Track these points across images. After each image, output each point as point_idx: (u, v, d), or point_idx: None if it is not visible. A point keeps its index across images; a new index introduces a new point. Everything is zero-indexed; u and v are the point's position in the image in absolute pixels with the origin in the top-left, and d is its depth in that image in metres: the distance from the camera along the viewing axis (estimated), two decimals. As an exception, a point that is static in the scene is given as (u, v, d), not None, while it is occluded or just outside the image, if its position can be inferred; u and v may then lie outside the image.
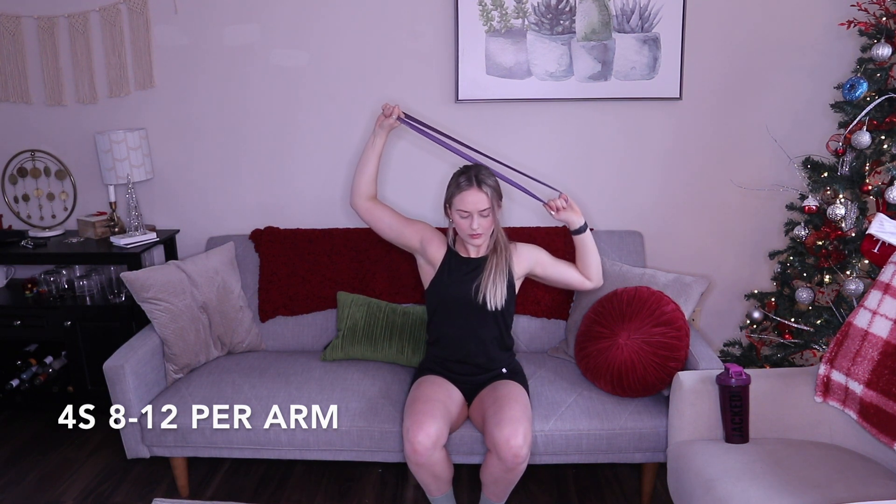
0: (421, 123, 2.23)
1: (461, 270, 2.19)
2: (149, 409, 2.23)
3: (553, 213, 2.21)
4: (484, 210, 2.08)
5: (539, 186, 2.38)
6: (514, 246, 2.24)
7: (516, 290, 2.24)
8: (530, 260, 2.25)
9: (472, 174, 2.09)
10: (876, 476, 1.68)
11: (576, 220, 2.21)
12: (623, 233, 2.69)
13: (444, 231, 2.29)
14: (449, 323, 2.19)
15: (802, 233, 2.48)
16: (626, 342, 2.14)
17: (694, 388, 1.94)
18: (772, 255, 2.65)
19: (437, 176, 2.78)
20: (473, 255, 2.20)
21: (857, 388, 1.79)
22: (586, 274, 2.29)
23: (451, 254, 2.22)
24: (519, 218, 2.82)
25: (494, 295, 2.13)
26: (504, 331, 2.21)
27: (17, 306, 2.70)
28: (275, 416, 2.18)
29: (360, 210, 2.25)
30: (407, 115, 2.20)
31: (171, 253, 2.90)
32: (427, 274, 2.25)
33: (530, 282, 2.53)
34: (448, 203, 2.15)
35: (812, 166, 2.47)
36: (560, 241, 2.59)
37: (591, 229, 2.22)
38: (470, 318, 2.16)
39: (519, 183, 2.26)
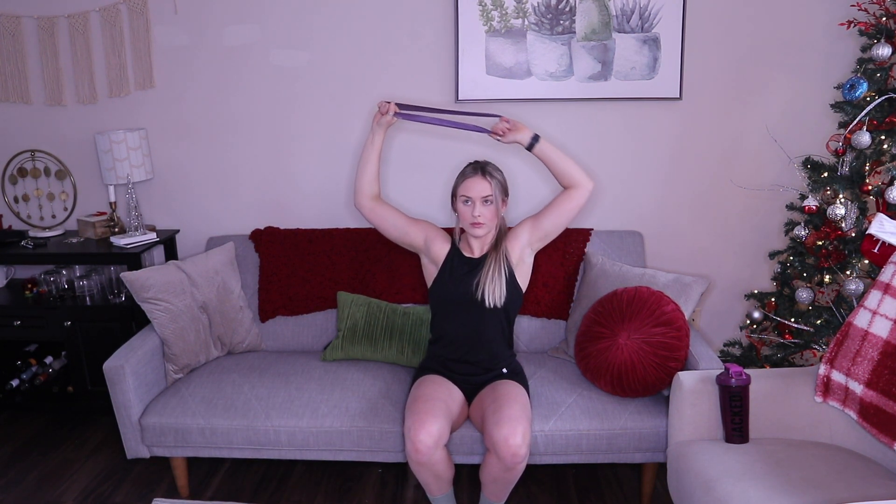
0: (416, 108, 2.22)
1: (462, 269, 2.19)
2: (149, 408, 2.24)
3: (500, 138, 2.15)
4: (487, 196, 2.09)
5: (481, 120, 2.35)
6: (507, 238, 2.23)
7: (520, 284, 2.20)
8: (521, 236, 2.20)
9: (478, 165, 2.14)
10: (876, 476, 1.68)
11: (524, 137, 2.12)
12: (623, 233, 2.69)
13: (449, 231, 2.29)
14: (451, 321, 2.19)
15: (802, 233, 2.48)
16: (626, 342, 2.14)
17: (694, 388, 1.94)
18: (772, 255, 2.65)
19: (441, 173, 2.78)
20: (477, 254, 2.21)
21: (857, 388, 1.79)
22: (570, 183, 2.13)
23: (454, 252, 2.22)
24: (518, 219, 2.82)
25: (493, 292, 2.12)
26: (507, 328, 2.21)
27: (17, 306, 2.70)
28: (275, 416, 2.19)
29: (364, 210, 2.25)
30: (402, 106, 2.19)
31: (171, 253, 2.90)
32: (431, 273, 2.25)
33: (530, 281, 2.52)
34: (454, 194, 2.16)
35: (812, 166, 2.47)
36: (560, 242, 2.59)
37: (538, 137, 2.11)
38: (472, 316, 2.16)
39: (460, 122, 2.20)
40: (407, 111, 2.20)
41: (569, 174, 2.13)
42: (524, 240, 2.21)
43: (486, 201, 2.10)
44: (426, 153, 2.82)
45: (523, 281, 2.22)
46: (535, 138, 2.12)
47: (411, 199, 2.85)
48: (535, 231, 2.19)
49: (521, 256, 2.21)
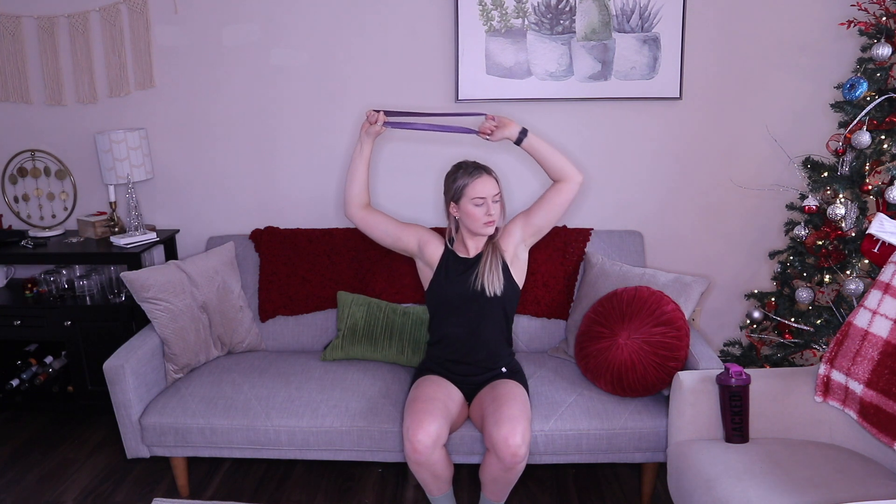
0: (404, 114, 2.22)
1: (458, 269, 2.19)
2: (149, 408, 2.24)
3: (488, 137, 2.17)
4: (496, 195, 2.11)
5: (466, 120, 2.39)
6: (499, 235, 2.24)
7: (517, 281, 2.21)
8: (514, 232, 2.22)
9: (474, 164, 2.14)
10: (876, 476, 1.68)
11: (512, 132, 2.14)
12: (623, 233, 2.69)
13: (440, 232, 2.29)
14: (451, 321, 2.19)
15: (802, 233, 2.48)
16: (626, 342, 2.14)
17: (694, 388, 1.94)
18: (772, 255, 2.65)
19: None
20: (472, 254, 2.21)
21: (857, 387, 1.79)
22: (560, 177, 2.15)
23: (448, 253, 2.22)
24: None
25: (492, 281, 2.13)
26: (505, 325, 2.21)
27: (17, 306, 2.70)
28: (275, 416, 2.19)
29: (356, 219, 2.26)
30: (389, 113, 2.19)
31: (171, 253, 2.90)
32: (426, 276, 2.25)
33: (530, 281, 2.53)
34: (456, 197, 2.13)
35: (812, 166, 2.47)
36: (559, 242, 2.59)
37: (526, 131, 2.14)
38: (471, 314, 2.16)
39: (447, 125, 2.21)
40: (395, 119, 2.20)
41: (558, 167, 2.15)
42: (517, 236, 2.21)
43: (496, 199, 2.11)
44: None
45: (519, 278, 2.22)
46: (524, 132, 2.14)
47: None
48: (526, 227, 2.21)
49: (516, 253, 2.21)
